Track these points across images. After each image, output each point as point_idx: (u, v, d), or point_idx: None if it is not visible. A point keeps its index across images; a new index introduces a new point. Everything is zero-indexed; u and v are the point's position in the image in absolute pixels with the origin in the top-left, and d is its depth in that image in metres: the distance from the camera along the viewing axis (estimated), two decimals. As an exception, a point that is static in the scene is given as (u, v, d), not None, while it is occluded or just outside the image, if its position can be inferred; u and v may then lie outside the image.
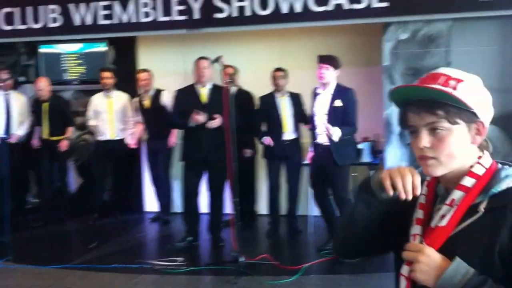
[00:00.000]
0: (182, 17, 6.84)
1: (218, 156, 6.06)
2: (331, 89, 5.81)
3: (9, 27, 7.43)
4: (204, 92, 6.30)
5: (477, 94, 1.62)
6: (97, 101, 7.79)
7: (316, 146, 5.93)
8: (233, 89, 6.78)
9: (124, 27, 7.06)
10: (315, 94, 5.99)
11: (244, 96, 6.98)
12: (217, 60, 5.74)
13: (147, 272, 5.66)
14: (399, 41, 6.36)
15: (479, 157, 1.66)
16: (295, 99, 6.75)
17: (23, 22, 7.38)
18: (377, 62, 6.76)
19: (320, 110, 5.85)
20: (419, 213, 1.72)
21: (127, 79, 8.06)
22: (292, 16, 6.52)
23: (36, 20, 7.35)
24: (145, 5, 6.97)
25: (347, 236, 1.84)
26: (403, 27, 6.34)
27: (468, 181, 1.63)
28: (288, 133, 6.72)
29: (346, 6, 6.38)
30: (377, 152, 6.91)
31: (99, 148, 7.91)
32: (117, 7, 7.08)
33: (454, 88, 1.59)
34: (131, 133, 7.79)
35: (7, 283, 5.47)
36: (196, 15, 6.77)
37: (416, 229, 1.70)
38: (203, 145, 6.19)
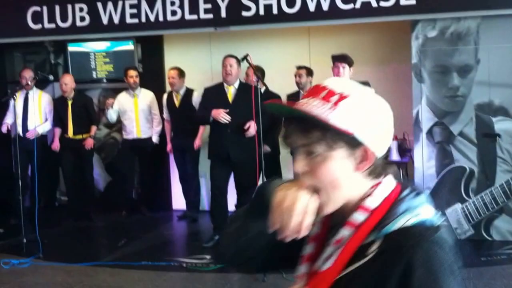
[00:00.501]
0: (209, 16, 6.86)
1: (243, 154, 6.08)
2: None
3: (37, 26, 7.49)
4: (231, 91, 6.32)
5: (363, 114, 1.35)
6: (123, 99, 7.85)
7: None
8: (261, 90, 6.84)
9: (151, 25, 7.09)
10: None
11: (271, 97, 6.97)
12: (244, 58, 5.77)
13: (175, 270, 5.73)
14: (428, 38, 6.31)
15: (374, 186, 1.39)
16: None
17: (51, 21, 7.44)
18: (406, 60, 6.72)
19: None
20: (309, 248, 1.47)
21: (154, 77, 8.12)
22: (319, 14, 6.51)
23: (64, 19, 7.40)
24: (172, 3, 7.00)
25: (242, 250, 1.56)
26: (431, 24, 6.29)
27: (357, 217, 1.36)
28: None
29: (374, 4, 6.35)
30: (405, 151, 6.88)
31: (126, 146, 7.99)
32: (144, 6, 7.11)
33: (335, 105, 1.33)
34: (157, 131, 7.85)
35: (38, 281, 5.56)
36: (223, 14, 6.78)
37: (303, 268, 1.46)
38: (228, 143, 6.20)
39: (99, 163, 8.56)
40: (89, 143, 7.70)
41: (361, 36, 7.26)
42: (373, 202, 1.36)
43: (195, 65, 7.81)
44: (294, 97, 6.94)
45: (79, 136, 7.67)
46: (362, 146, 1.35)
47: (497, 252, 5.97)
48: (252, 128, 6.02)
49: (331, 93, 1.35)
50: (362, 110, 1.35)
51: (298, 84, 6.92)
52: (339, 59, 5.82)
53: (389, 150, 1.41)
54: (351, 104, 1.34)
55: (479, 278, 5.16)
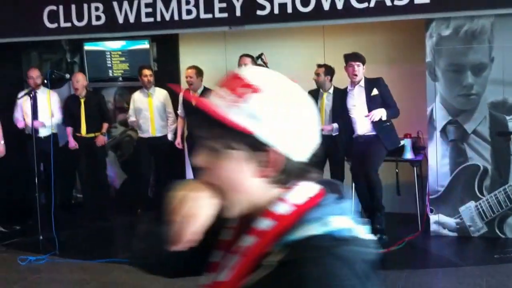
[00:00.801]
0: (224, 15, 6.89)
1: None
2: (362, 83, 6.06)
3: (53, 25, 7.56)
4: None
5: (272, 112, 1.17)
6: (138, 98, 7.90)
7: (356, 138, 6.05)
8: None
9: (166, 24, 7.13)
10: (345, 92, 6.31)
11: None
12: (258, 57, 5.81)
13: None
14: (442, 37, 6.32)
15: (286, 191, 1.22)
16: (338, 94, 6.85)
17: (67, 20, 7.51)
18: (420, 58, 6.72)
19: (356, 104, 5.97)
20: (216, 256, 1.32)
21: (170, 76, 8.17)
22: (333, 13, 6.52)
23: (80, 18, 7.46)
24: (187, 2, 7.03)
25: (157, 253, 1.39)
26: (445, 23, 6.30)
27: (262, 223, 1.20)
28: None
29: (388, 2, 6.35)
30: (419, 149, 6.90)
31: (141, 144, 8.04)
32: (159, 5, 7.15)
33: (241, 99, 1.18)
34: (172, 129, 7.92)
35: (54, 277, 5.62)
36: (238, 13, 6.82)
37: (209, 277, 1.31)
38: None
39: (114, 161, 8.62)
40: (101, 140, 7.75)
41: (375, 35, 7.28)
42: (282, 209, 1.20)
43: (210, 63, 7.84)
44: (313, 94, 6.98)
45: (92, 135, 7.71)
46: (268, 148, 1.18)
47: (511, 249, 5.97)
48: None
49: (244, 85, 1.19)
50: (273, 108, 1.17)
51: (315, 82, 6.94)
52: (352, 58, 5.88)
53: (309, 155, 1.23)
54: (261, 100, 1.17)
55: (492, 276, 5.18)
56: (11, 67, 8.44)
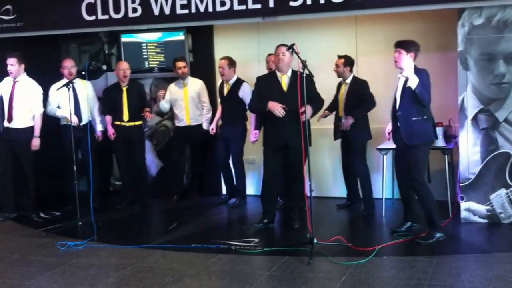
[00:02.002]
0: (257, 6, 6.93)
1: (298, 142, 6.18)
2: (405, 72, 5.80)
3: (91, 18, 7.70)
4: (284, 80, 6.43)
5: None
6: (173, 89, 8.06)
7: (396, 129, 5.95)
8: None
9: (201, 16, 7.20)
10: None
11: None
12: (290, 47, 5.87)
13: (224, 252, 5.82)
14: (474, 26, 6.30)
15: None
16: (355, 85, 7.01)
17: (105, 12, 7.65)
18: (452, 47, 6.73)
19: (397, 93, 5.90)
20: None
21: (205, 67, 8.29)
22: (366, 3, 6.53)
23: (116, 10, 7.60)
24: (221, -6, 7.13)
25: None
26: (477, 12, 6.28)
27: None
28: (343, 117, 7.06)
29: (420, -8, 6.37)
30: (450, 137, 6.92)
31: (177, 133, 8.20)
32: (194, -4, 7.26)
33: None
34: (207, 118, 8.06)
35: (93, 262, 5.72)
36: (271, 3, 6.86)
37: None
38: (286, 132, 6.31)
39: (151, 149, 8.80)
40: (149, 116, 7.87)
41: (407, 24, 7.27)
42: None
43: (243, 54, 7.93)
44: (339, 85, 7.23)
45: (131, 123, 7.85)
46: None
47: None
48: (308, 110, 6.09)
49: None
50: None
51: (336, 72, 7.11)
52: (395, 44, 5.79)
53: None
54: None
55: (522, 263, 5.20)
56: (50, 60, 8.62)
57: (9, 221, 7.50)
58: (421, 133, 5.85)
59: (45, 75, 7.90)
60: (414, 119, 5.75)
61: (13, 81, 7.40)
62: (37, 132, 7.40)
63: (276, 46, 6.41)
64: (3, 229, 7.14)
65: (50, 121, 7.77)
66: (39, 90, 7.49)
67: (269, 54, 7.31)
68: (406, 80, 5.74)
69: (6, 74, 7.46)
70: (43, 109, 7.53)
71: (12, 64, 7.31)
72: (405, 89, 5.75)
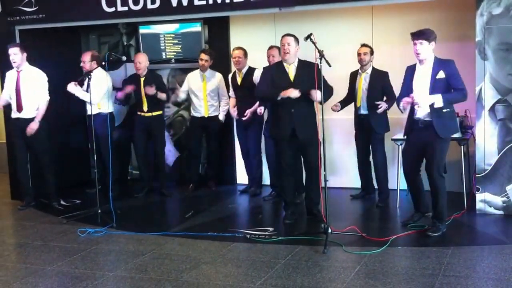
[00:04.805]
0: (274, -4, 6.98)
1: (309, 132, 6.19)
2: (429, 62, 5.71)
3: (111, 9, 7.77)
4: (291, 70, 6.35)
5: None
6: (192, 80, 8.09)
7: (414, 122, 5.84)
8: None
9: (217, 7, 7.21)
10: (410, 71, 5.90)
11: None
12: (308, 37, 5.86)
13: (239, 240, 5.88)
14: (492, 16, 6.26)
15: None
16: (378, 76, 6.97)
17: (124, 4, 7.70)
18: (470, 37, 6.69)
19: (419, 85, 5.75)
20: None
21: (221, 57, 8.32)
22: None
23: (135, 2, 7.64)
24: (238, -15, 7.14)
25: None
26: (496, 1, 6.22)
27: None
28: (361, 108, 7.05)
29: (438, -19, 6.34)
30: (467, 128, 6.88)
31: (194, 123, 8.25)
32: (211, -12, 7.28)
33: None
34: (224, 110, 8.11)
35: (112, 248, 5.83)
36: (288, -6, 6.90)
37: None
38: (293, 122, 6.27)
39: (168, 139, 8.86)
40: (163, 96, 7.89)
41: (424, 14, 7.25)
42: None
43: (260, 45, 7.94)
44: (354, 75, 7.18)
45: (150, 113, 7.93)
46: None
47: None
48: (318, 94, 5.94)
49: None
50: None
51: (361, 61, 7.00)
52: (415, 35, 5.67)
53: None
54: None
55: (537, 253, 5.19)
56: (70, 51, 8.75)
57: (31, 208, 7.63)
58: (452, 126, 5.88)
59: (64, 66, 7.99)
60: (444, 111, 5.67)
61: (17, 72, 7.44)
62: (39, 117, 7.40)
63: (282, 36, 6.37)
64: (25, 217, 7.29)
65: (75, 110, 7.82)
66: (43, 77, 7.49)
67: (270, 48, 7.37)
68: (434, 69, 5.65)
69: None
70: (49, 97, 7.53)
71: (15, 53, 7.32)
72: (435, 81, 5.64)
